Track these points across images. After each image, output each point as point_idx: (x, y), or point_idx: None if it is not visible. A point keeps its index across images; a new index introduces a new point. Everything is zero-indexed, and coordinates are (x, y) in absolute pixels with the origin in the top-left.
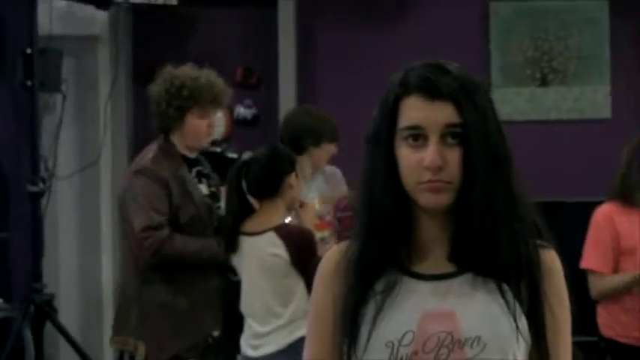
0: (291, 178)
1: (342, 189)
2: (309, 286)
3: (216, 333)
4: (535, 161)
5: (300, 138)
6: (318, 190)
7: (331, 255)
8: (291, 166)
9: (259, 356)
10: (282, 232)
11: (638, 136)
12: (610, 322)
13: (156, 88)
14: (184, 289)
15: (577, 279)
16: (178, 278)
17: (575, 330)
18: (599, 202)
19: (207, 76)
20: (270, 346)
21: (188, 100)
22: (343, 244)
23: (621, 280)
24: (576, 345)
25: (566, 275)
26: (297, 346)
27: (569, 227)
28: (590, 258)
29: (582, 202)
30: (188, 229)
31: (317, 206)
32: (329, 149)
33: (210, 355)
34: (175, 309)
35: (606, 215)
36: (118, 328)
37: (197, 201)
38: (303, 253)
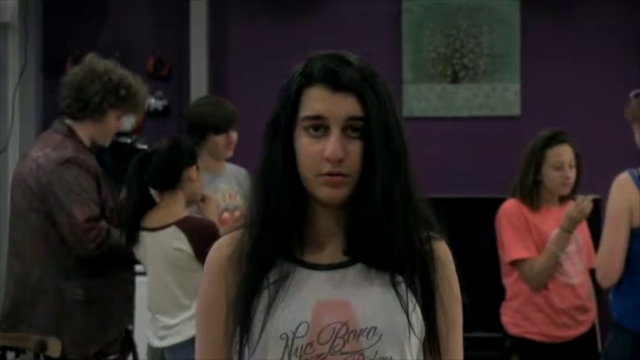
0: (191, 171)
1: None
2: None
3: (131, 326)
4: (446, 157)
5: (198, 128)
6: (227, 184)
7: (221, 247)
8: (191, 159)
9: (166, 346)
10: (185, 225)
11: (536, 138)
12: (517, 320)
13: (87, 75)
14: (108, 283)
15: (487, 274)
16: (103, 272)
17: (481, 326)
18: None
19: (137, 81)
20: (177, 337)
21: (121, 100)
22: (233, 235)
23: (543, 260)
24: (475, 340)
25: (478, 270)
26: None
27: (479, 223)
28: (515, 249)
29: (492, 198)
30: (110, 222)
31: (224, 200)
32: (217, 140)
33: (126, 349)
34: (99, 303)
35: (515, 208)
36: (12, 323)
37: (115, 192)
38: (207, 246)
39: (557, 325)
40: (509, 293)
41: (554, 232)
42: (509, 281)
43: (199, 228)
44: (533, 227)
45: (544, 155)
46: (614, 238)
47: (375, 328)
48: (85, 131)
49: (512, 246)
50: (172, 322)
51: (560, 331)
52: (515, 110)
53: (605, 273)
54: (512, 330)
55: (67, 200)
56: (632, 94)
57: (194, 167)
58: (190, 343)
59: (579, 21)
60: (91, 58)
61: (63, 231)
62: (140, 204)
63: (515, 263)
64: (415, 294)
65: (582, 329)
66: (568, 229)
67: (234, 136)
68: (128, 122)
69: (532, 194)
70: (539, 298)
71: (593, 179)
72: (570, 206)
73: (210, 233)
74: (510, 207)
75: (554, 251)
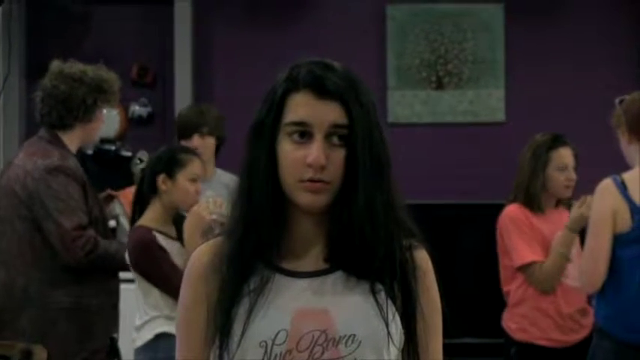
0: (159, 179)
1: None
2: (164, 289)
3: (115, 334)
4: (430, 163)
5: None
6: (214, 190)
7: (200, 255)
8: (161, 167)
9: (135, 349)
10: (129, 235)
11: (534, 141)
12: (524, 326)
13: (67, 83)
14: (94, 291)
15: (473, 279)
16: (89, 279)
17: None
18: (493, 205)
19: (104, 70)
20: (139, 341)
21: (105, 93)
22: (214, 242)
23: (552, 262)
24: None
25: (463, 276)
26: (155, 342)
27: (463, 229)
28: (525, 253)
29: (476, 204)
30: (95, 231)
31: (211, 207)
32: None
33: (112, 357)
34: (85, 311)
35: (519, 212)
36: None
37: (100, 201)
38: (138, 258)
39: (564, 330)
40: (513, 299)
41: (558, 234)
42: (513, 287)
43: (133, 239)
44: (537, 230)
45: (549, 157)
46: (598, 244)
47: (354, 335)
48: (73, 137)
49: (521, 250)
50: (137, 323)
51: (567, 336)
52: (500, 116)
53: (588, 279)
54: (518, 336)
55: (54, 209)
56: (616, 100)
57: (162, 176)
58: (146, 348)
59: (563, 27)
60: (58, 67)
61: (52, 240)
62: (135, 206)
63: (523, 267)
64: (395, 302)
65: (585, 333)
66: (575, 229)
67: (196, 142)
68: (112, 130)
69: (539, 198)
70: (546, 304)
71: (577, 184)
72: (574, 207)
73: (139, 245)
74: (515, 211)
75: (562, 252)
